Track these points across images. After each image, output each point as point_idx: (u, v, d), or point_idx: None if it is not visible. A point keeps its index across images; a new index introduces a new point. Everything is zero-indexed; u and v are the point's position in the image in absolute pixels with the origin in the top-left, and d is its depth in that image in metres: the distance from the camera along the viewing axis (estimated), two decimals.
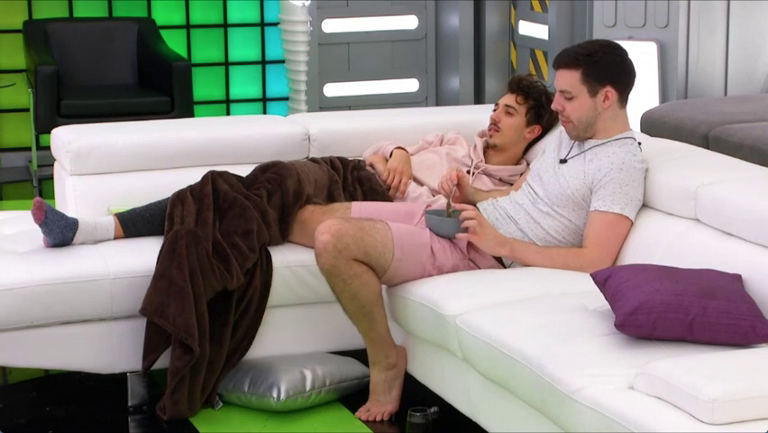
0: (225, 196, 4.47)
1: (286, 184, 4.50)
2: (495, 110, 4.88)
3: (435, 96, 8.69)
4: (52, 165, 5.14)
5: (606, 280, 3.58)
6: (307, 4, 7.96)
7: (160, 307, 4.18)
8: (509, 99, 4.84)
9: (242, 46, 8.57)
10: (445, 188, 4.53)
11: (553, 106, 4.27)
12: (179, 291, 4.18)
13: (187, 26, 8.43)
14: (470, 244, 4.22)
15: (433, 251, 4.18)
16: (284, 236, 4.49)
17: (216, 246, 4.32)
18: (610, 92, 4.18)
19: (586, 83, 4.17)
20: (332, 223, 4.09)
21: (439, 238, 4.21)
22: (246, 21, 8.55)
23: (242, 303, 4.33)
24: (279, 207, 4.47)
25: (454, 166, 4.73)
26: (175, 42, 8.21)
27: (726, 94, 7.03)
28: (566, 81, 4.18)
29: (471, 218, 4.14)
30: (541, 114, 4.81)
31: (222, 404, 4.32)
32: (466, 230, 4.15)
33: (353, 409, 4.28)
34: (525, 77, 4.88)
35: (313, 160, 4.84)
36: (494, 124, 4.85)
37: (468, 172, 4.79)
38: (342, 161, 4.87)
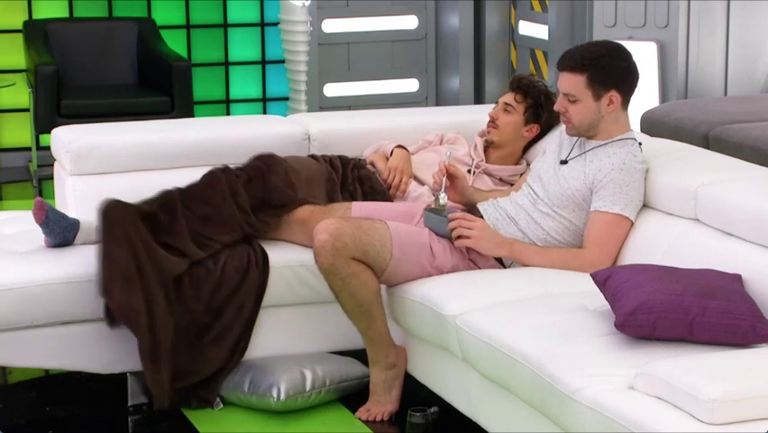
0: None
1: (270, 181, 4.51)
2: (494, 107, 4.90)
3: (435, 96, 8.69)
4: (52, 165, 5.14)
5: (606, 280, 3.58)
6: (307, 4, 7.96)
7: (107, 286, 4.18)
8: (509, 98, 4.85)
9: (242, 46, 8.57)
10: (436, 181, 4.50)
11: (556, 107, 4.25)
12: (121, 271, 4.17)
13: (187, 26, 8.43)
14: None
15: (432, 251, 4.18)
16: (265, 231, 4.48)
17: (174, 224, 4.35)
18: (615, 96, 4.16)
19: (591, 87, 4.15)
20: (330, 222, 4.09)
21: (439, 238, 4.21)
22: (246, 21, 8.55)
23: (236, 303, 4.32)
24: (257, 198, 4.46)
25: (443, 159, 4.71)
26: (175, 42, 8.20)
27: (726, 94, 7.03)
28: (570, 84, 4.16)
29: (459, 225, 4.14)
30: (539, 113, 4.81)
31: (222, 405, 4.32)
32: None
33: (353, 410, 4.28)
34: (525, 76, 4.89)
35: (313, 156, 4.84)
36: (492, 122, 4.86)
37: (468, 172, 4.78)
38: (343, 159, 4.87)
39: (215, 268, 4.32)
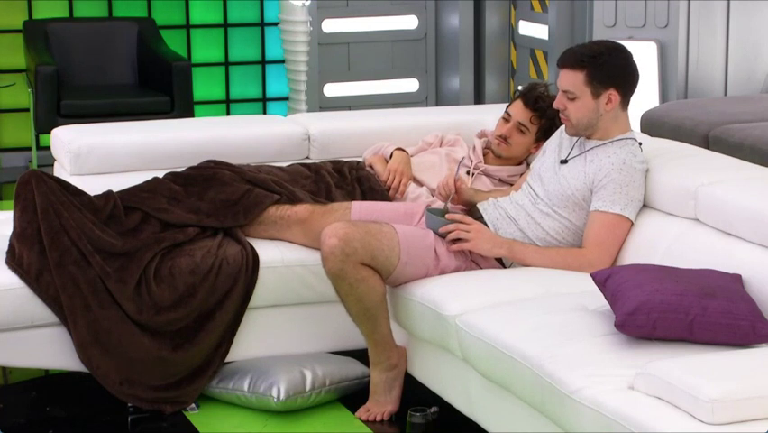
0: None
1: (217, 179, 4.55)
2: (505, 118, 4.79)
3: (435, 96, 8.68)
4: (52, 165, 5.14)
5: (606, 280, 3.58)
6: (307, 4, 7.96)
7: (18, 257, 4.23)
8: (524, 116, 4.75)
9: (242, 46, 8.56)
10: (442, 194, 4.50)
11: (555, 105, 4.25)
12: (22, 235, 4.24)
13: (187, 26, 8.42)
14: None
15: (437, 253, 4.17)
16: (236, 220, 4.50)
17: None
18: (613, 95, 4.16)
19: (590, 85, 4.15)
20: (339, 226, 4.07)
21: (443, 241, 4.20)
22: (246, 21, 8.54)
23: (223, 306, 4.31)
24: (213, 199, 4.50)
25: (453, 170, 4.70)
26: (175, 42, 8.20)
27: (726, 94, 7.03)
28: (569, 82, 4.16)
29: (457, 229, 4.15)
30: (551, 132, 4.70)
31: (197, 409, 4.30)
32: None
33: (353, 410, 4.28)
34: (542, 92, 4.75)
35: (303, 165, 4.82)
36: (503, 138, 4.80)
37: (467, 173, 4.78)
38: (335, 163, 4.86)
39: (210, 274, 4.30)
